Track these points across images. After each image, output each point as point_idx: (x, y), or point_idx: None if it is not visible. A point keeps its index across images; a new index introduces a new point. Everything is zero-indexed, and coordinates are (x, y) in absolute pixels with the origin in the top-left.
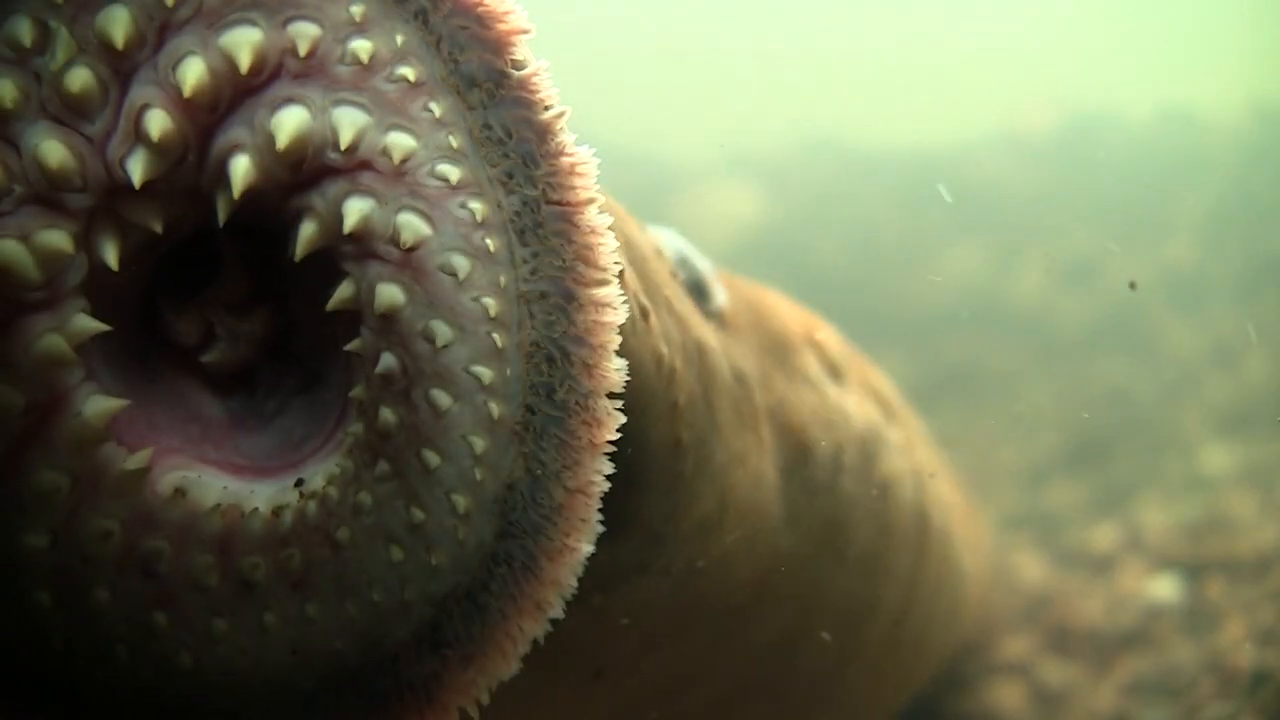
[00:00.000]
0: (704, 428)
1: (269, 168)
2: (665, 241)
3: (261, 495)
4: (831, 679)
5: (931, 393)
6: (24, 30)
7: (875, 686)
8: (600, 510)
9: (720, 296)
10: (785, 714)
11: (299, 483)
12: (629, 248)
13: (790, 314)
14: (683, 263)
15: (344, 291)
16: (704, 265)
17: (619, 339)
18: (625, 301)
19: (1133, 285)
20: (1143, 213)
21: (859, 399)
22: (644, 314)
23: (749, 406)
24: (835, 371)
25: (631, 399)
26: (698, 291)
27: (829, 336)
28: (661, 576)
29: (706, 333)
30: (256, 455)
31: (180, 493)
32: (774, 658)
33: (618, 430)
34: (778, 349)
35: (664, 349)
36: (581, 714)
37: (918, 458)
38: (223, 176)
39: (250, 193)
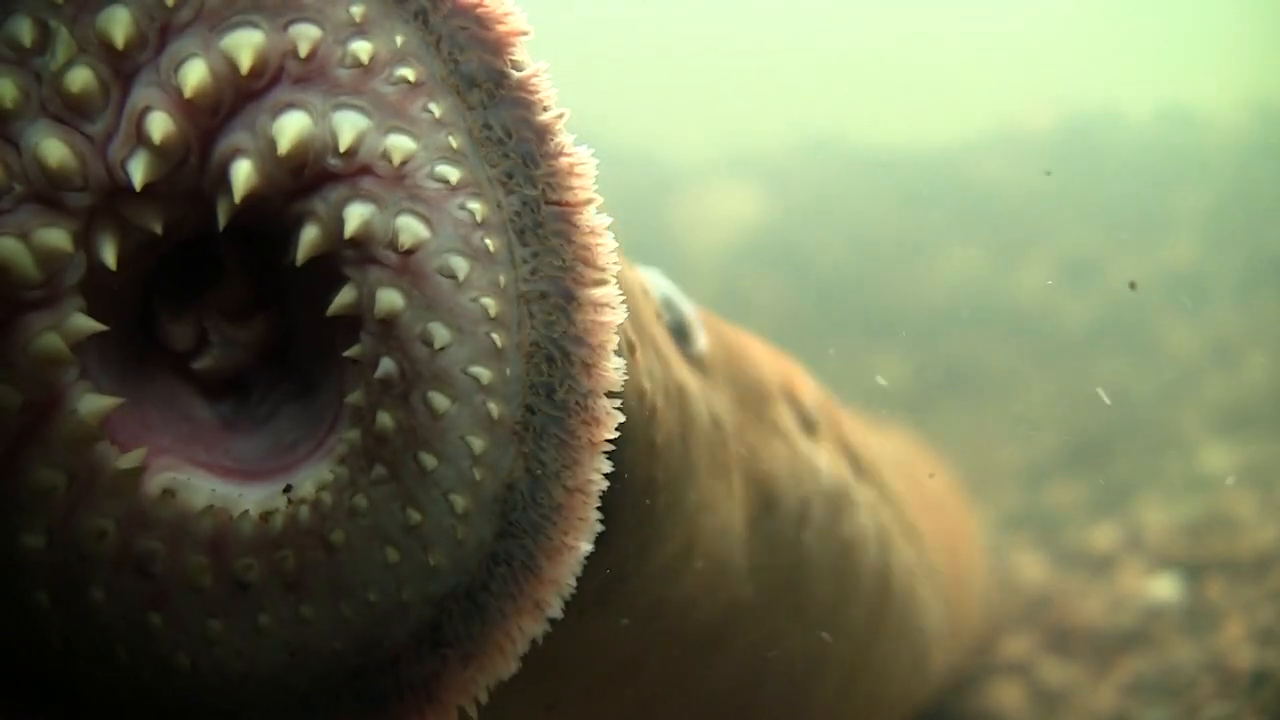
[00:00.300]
0: (679, 469)
1: (270, 172)
2: (652, 281)
3: (250, 499)
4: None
5: (931, 392)
6: (24, 30)
7: None
8: None
9: (701, 341)
10: None
11: (288, 489)
12: (619, 283)
13: (768, 362)
14: (667, 304)
15: (345, 297)
16: (688, 309)
17: (618, 339)
18: (622, 297)
19: (1133, 285)
20: (1143, 212)
21: (830, 454)
22: (630, 349)
23: (723, 453)
24: (809, 424)
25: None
26: (680, 334)
27: (806, 387)
28: (622, 613)
29: (687, 375)
30: (247, 458)
31: (169, 493)
32: (725, 704)
33: None
34: (753, 397)
35: (647, 385)
36: None
37: (884, 517)
38: (224, 180)
39: (251, 197)
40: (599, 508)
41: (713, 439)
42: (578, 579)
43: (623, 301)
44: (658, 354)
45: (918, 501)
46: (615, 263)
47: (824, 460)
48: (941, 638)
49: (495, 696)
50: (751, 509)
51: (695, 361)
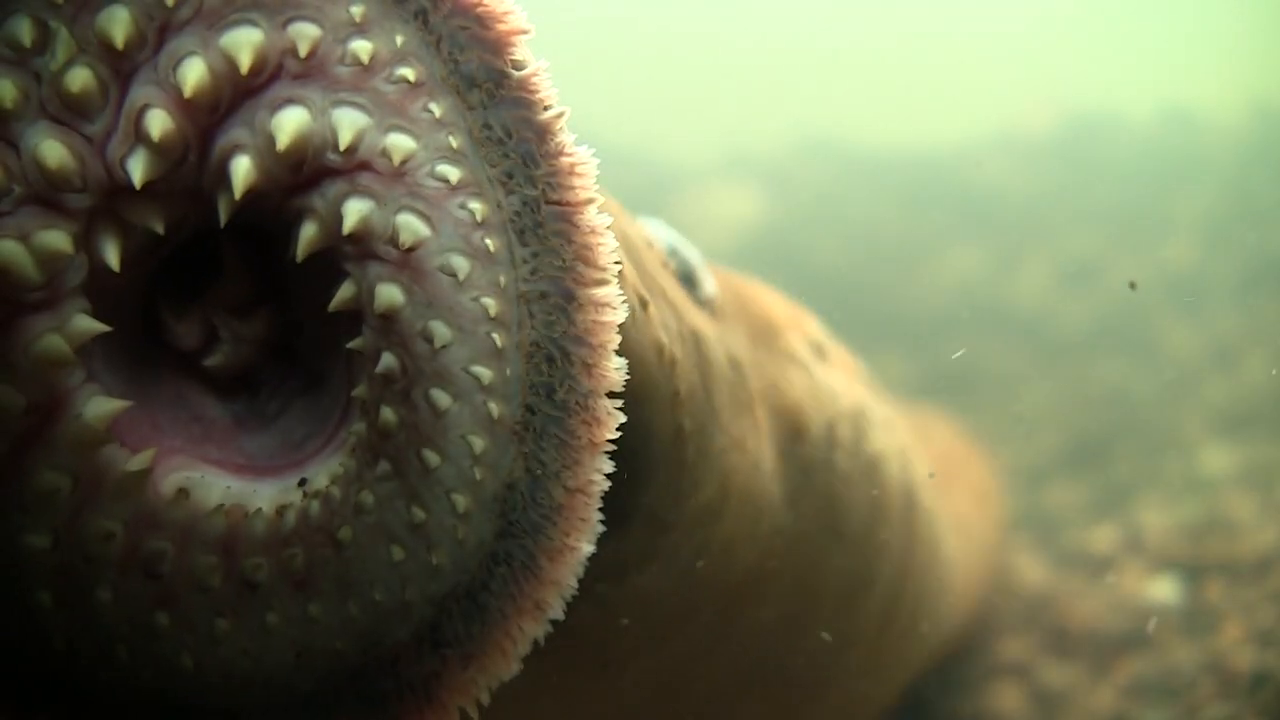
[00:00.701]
0: (704, 415)
1: (270, 168)
2: (655, 233)
3: (264, 495)
4: (829, 663)
5: (931, 393)
6: (24, 30)
7: (871, 671)
8: (604, 500)
9: (709, 285)
10: (787, 698)
11: (303, 482)
12: (623, 240)
13: (772, 299)
14: (673, 253)
15: (345, 292)
16: (693, 254)
17: (619, 339)
18: (624, 300)
19: (1133, 285)
20: (1142, 213)
21: (844, 376)
22: (643, 304)
23: (744, 391)
24: (820, 351)
25: (634, 389)
26: (688, 281)
27: (809, 321)
28: (667, 564)
29: (700, 320)
30: (259, 455)
31: (183, 493)
32: (775, 642)
33: (622, 418)
34: (765, 333)
35: (664, 338)
36: (589, 706)
37: (899, 435)
38: (224, 177)
39: (251, 193)
40: (632, 464)
41: (732, 379)
42: (621, 538)
43: (629, 258)
44: (670, 304)
45: (933, 452)
46: (616, 260)
47: (840, 382)
48: (959, 563)
49: (552, 660)
50: (781, 440)
51: (706, 305)
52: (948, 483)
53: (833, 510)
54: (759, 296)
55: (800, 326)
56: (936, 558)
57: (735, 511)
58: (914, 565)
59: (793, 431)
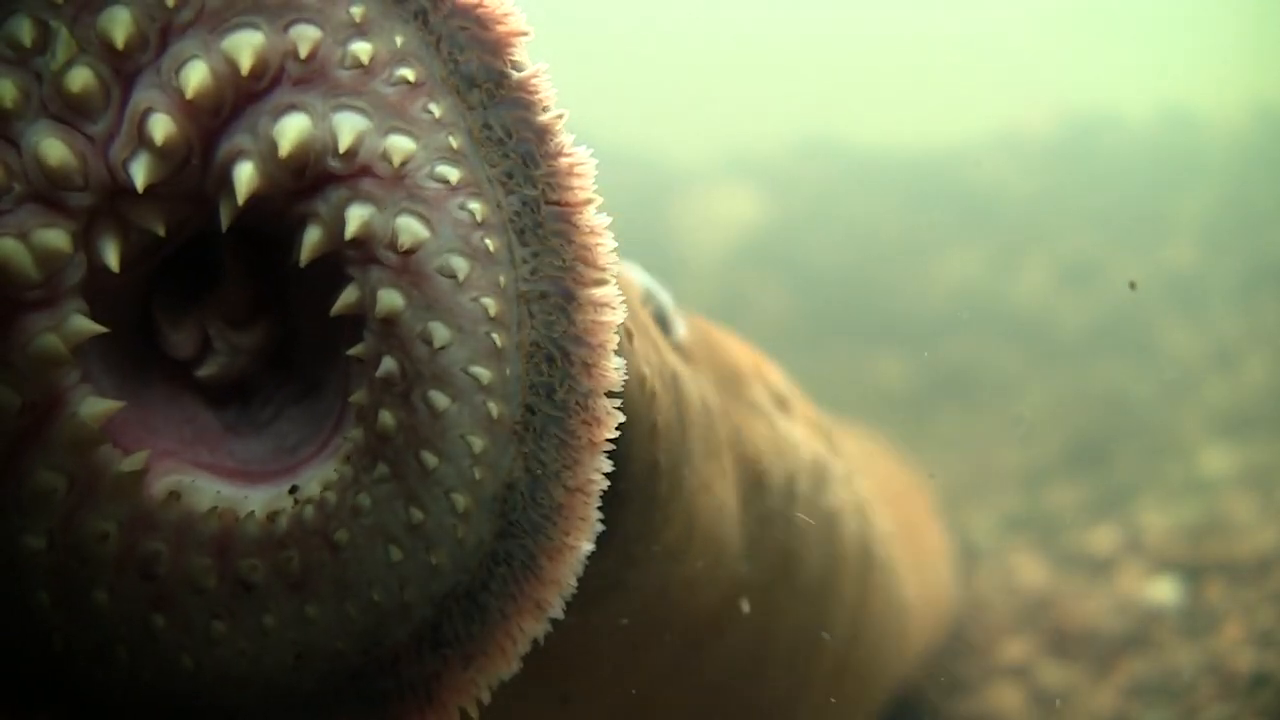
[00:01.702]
0: (678, 452)
1: (272, 174)
2: (632, 276)
3: (256, 500)
4: (784, 707)
5: (931, 394)
6: (24, 30)
7: (831, 711)
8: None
9: (681, 329)
10: None
11: (294, 489)
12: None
13: (738, 348)
14: (649, 296)
15: (348, 296)
16: (665, 299)
17: (618, 339)
18: (621, 297)
19: (1133, 285)
20: (1142, 214)
21: (805, 430)
22: (629, 335)
23: (713, 435)
24: (782, 403)
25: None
26: (662, 323)
27: (773, 371)
28: (630, 598)
29: (676, 361)
30: (250, 461)
31: (175, 495)
32: (732, 684)
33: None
34: (732, 380)
35: (646, 371)
36: None
37: (858, 490)
38: (226, 182)
39: (254, 199)
40: (605, 493)
41: (704, 421)
42: (588, 566)
43: (621, 300)
44: (651, 340)
45: (877, 483)
46: (615, 263)
47: (800, 435)
48: (917, 607)
49: (509, 693)
50: (742, 487)
51: (679, 348)
52: (906, 512)
53: (788, 562)
54: (725, 344)
55: (763, 376)
56: (892, 607)
57: (699, 552)
58: (869, 616)
59: (754, 480)
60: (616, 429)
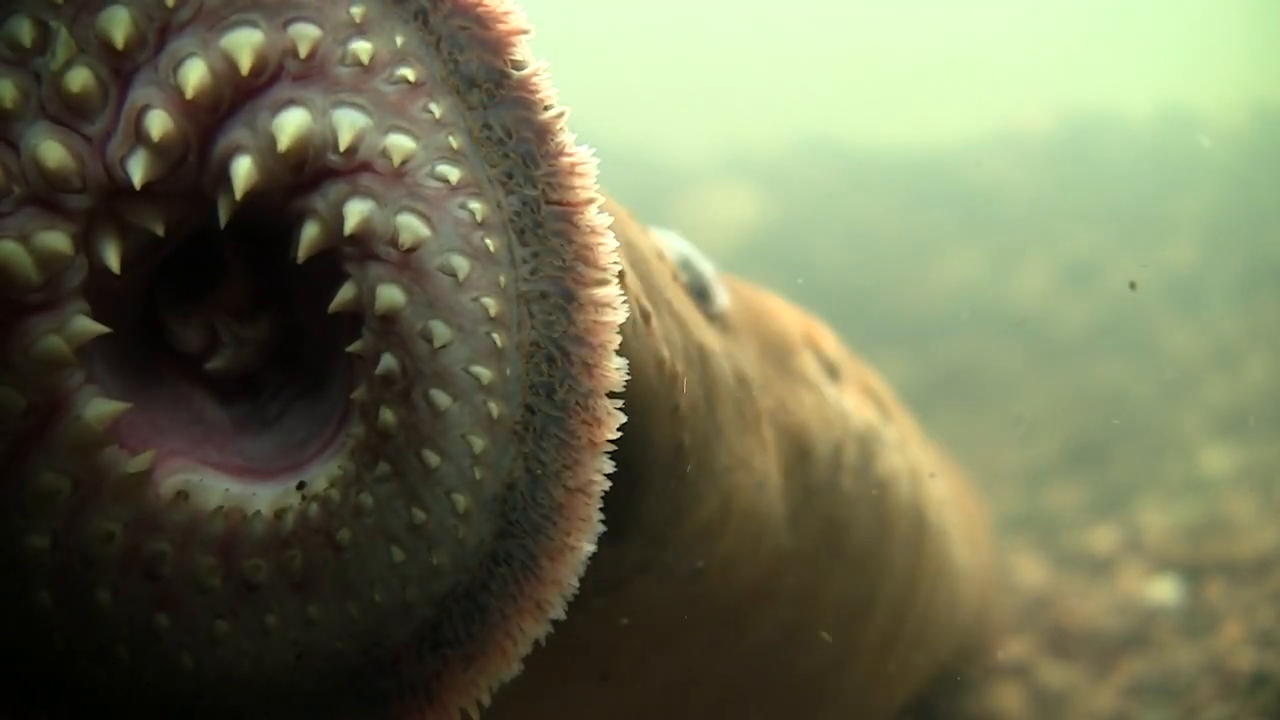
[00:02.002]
0: (706, 431)
1: (271, 169)
2: (668, 244)
3: (263, 498)
4: (832, 677)
5: (931, 394)
6: (24, 30)
7: (875, 684)
8: (603, 511)
9: (722, 298)
10: (789, 711)
11: (301, 485)
12: (630, 250)
13: (788, 315)
14: (685, 265)
15: (346, 293)
16: (706, 267)
17: (619, 339)
18: (625, 303)
19: (1133, 285)
20: (1142, 214)
21: (856, 398)
22: (645, 317)
23: (751, 409)
24: (833, 371)
25: (633, 401)
26: (700, 294)
27: (826, 337)
28: (665, 578)
29: (709, 335)
30: (258, 458)
31: (183, 495)
32: (775, 656)
33: (620, 432)
34: (777, 350)
35: (665, 352)
36: (588, 716)
37: (913, 456)
38: (224, 178)
39: (252, 194)
40: (628, 475)
41: (739, 396)
42: (616, 550)
43: (635, 270)
44: (675, 318)
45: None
46: (616, 262)
47: (850, 404)
48: (970, 575)
49: (547, 670)
50: (786, 460)
51: (717, 319)
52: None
53: (834, 531)
54: (774, 312)
55: (814, 344)
56: (945, 574)
57: (737, 529)
58: (920, 583)
59: (798, 452)
60: (636, 413)
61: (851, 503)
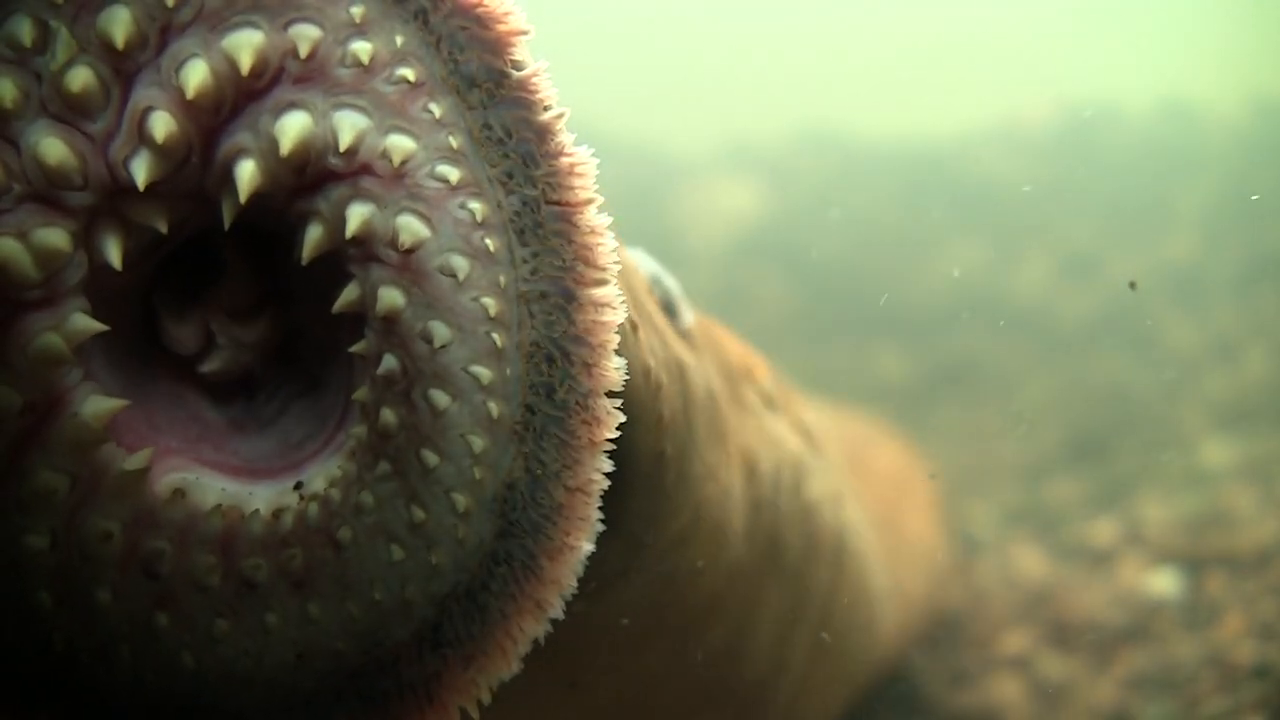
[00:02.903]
0: (684, 441)
1: (274, 172)
2: (639, 262)
3: (261, 497)
4: (769, 685)
5: (931, 387)
6: (24, 30)
7: (805, 694)
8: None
9: (689, 316)
10: (736, 715)
11: (298, 485)
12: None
13: (732, 343)
14: (656, 281)
15: (349, 294)
16: (673, 285)
17: (619, 339)
18: (622, 297)
19: (1133, 285)
20: (1143, 207)
21: (787, 428)
22: (633, 327)
23: (719, 423)
24: (768, 401)
25: (621, 410)
26: (669, 310)
27: (761, 368)
28: (639, 585)
29: (682, 349)
30: (255, 458)
31: (180, 493)
32: (722, 665)
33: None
34: (728, 374)
35: (651, 362)
36: None
37: (834, 483)
38: (228, 180)
39: (256, 197)
40: (612, 483)
41: (709, 410)
42: (595, 556)
43: (620, 281)
44: (656, 330)
45: (860, 473)
46: (616, 260)
47: (783, 432)
48: (888, 596)
49: (517, 680)
50: (741, 475)
51: (685, 335)
52: (894, 504)
53: (774, 547)
54: (723, 338)
55: (751, 374)
56: (863, 595)
57: (704, 538)
58: (841, 601)
59: (747, 470)
60: (622, 422)
61: (788, 522)
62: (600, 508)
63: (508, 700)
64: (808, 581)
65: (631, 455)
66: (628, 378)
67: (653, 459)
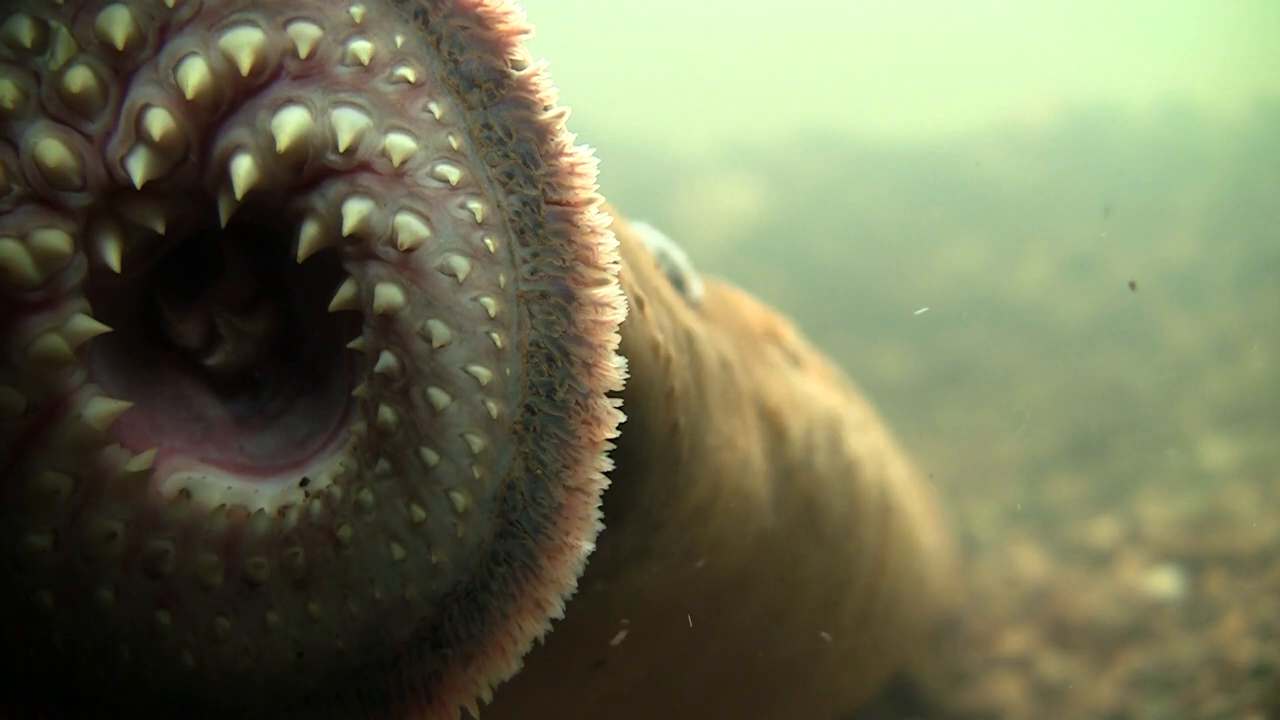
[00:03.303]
0: (697, 412)
1: (270, 168)
2: (645, 236)
3: (266, 495)
4: (811, 657)
5: (931, 386)
6: (24, 30)
7: (849, 664)
8: (601, 498)
9: (697, 287)
10: (769, 692)
11: (304, 482)
12: (619, 240)
13: (751, 308)
14: (662, 256)
15: (346, 291)
16: (680, 258)
17: (618, 338)
18: (622, 296)
19: (1133, 285)
20: (1143, 206)
21: (818, 384)
22: (639, 304)
23: (734, 391)
24: (795, 359)
25: (630, 387)
26: (677, 283)
27: (785, 328)
28: (659, 562)
29: (691, 320)
30: (260, 455)
31: (185, 494)
32: (758, 638)
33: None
34: (746, 337)
35: (659, 337)
36: (582, 704)
37: (874, 438)
38: (225, 177)
39: (252, 193)
40: (629, 461)
41: (722, 379)
42: (614, 536)
43: (625, 259)
44: (664, 304)
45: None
46: (615, 260)
47: (815, 388)
48: (934, 555)
49: (541, 660)
50: (765, 441)
51: (694, 307)
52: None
53: (812, 512)
54: (740, 303)
55: (776, 335)
56: (912, 554)
57: (725, 509)
58: (889, 563)
59: (775, 434)
60: (634, 398)
61: (825, 484)
62: (616, 486)
63: (529, 681)
64: (853, 545)
65: (645, 431)
66: (637, 355)
67: (666, 432)
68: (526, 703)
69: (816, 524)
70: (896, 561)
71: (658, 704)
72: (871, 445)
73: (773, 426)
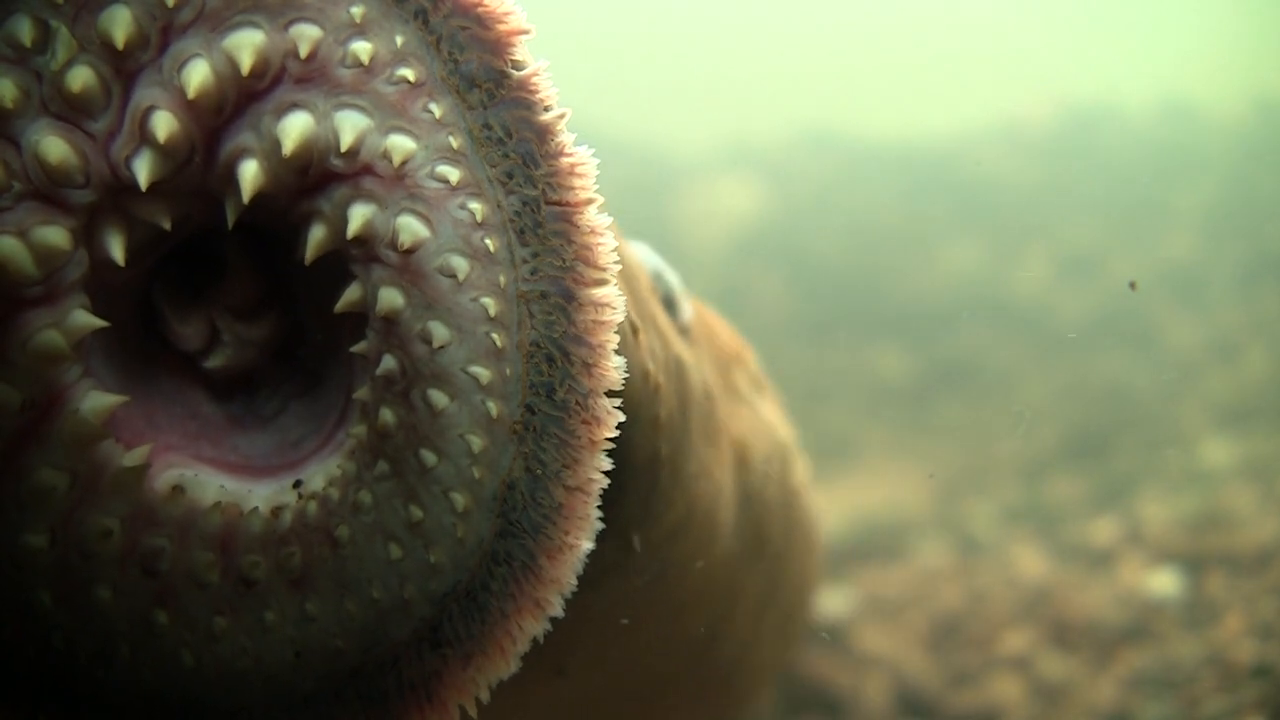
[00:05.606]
0: (679, 440)
1: (277, 172)
2: (641, 256)
3: (260, 495)
4: (740, 659)
5: (931, 386)
6: (24, 30)
7: (772, 658)
8: None
9: (688, 311)
10: (706, 690)
11: (297, 484)
12: (620, 264)
13: (724, 330)
14: (657, 277)
15: (352, 294)
16: (674, 280)
17: (618, 338)
18: (622, 297)
19: (1133, 285)
20: (1143, 205)
21: (774, 410)
22: (634, 330)
23: (714, 422)
24: (758, 384)
25: (620, 411)
26: (669, 305)
27: (748, 353)
28: (630, 578)
29: (681, 348)
30: (254, 455)
31: (179, 490)
32: (701, 646)
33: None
34: (722, 363)
35: (650, 365)
36: (542, 712)
37: (785, 433)
38: (232, 180)
39: (259, 197)
40: (609, 483)
41: (705, 408)
42: (596, 550)
43: (624, 284)
44: (658, 331)
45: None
46: (616, 260)
47: (774, 416)
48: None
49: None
50: (733, 469)
51: (684, 332)
52: None
53: (759, 535)
54: (716, 327)
55: (743, 361)
56: (815, 566)
57: (696, 533)
58: (809, 578)
59: (739, 461)
60: (621, 422)
61: (772, 510)
62: (598, 506)
63: (498, 689)
64: (784, 566)
65: (628, 455)
66: (627, 376)
67: (649, 458)
68: (491, 710)
69: (760, 546)
70: (811, 576)
71: (615, 705)
72: (806, 474)
73: (738, 455)
